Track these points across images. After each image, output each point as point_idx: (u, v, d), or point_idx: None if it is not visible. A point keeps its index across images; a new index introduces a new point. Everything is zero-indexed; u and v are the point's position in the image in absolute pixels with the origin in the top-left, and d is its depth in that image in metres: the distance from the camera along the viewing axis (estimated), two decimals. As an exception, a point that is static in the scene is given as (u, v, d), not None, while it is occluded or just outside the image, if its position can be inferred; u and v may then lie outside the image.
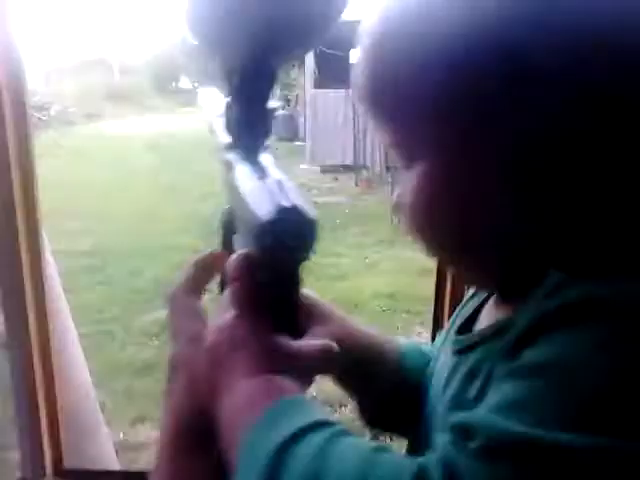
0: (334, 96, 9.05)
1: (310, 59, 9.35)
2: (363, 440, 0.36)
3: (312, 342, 0.44)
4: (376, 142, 8.32)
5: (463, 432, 0.33)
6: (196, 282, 0.50)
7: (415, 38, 0.41)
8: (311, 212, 0.35)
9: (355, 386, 0.58)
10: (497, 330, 0.42)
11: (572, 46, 0.37)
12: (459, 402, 0.44)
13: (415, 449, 0.55)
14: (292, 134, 11.41)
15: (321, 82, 9.41)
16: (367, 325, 0.59)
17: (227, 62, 0.44)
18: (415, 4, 0.42)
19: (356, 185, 8.02)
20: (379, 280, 4.51)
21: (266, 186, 0.38)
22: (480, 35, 0.38)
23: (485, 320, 0.50)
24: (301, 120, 11.04)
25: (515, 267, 0.43)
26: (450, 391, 0.46)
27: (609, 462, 0.29)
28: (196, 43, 0.45)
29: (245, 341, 0.40)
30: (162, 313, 3.87)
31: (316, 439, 0.35)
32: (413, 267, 4.44)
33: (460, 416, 0.35)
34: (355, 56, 0.46)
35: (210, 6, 0.42)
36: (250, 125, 0.44)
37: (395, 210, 0.49)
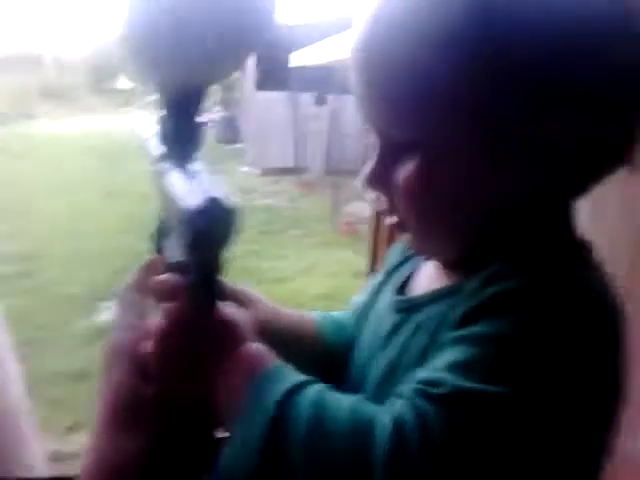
0: (275, 98, 9.06)
1: (251, 62, 9.33)
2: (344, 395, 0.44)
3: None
4: (317, 145, 8.40)
5: (430, 384, 0.40)
6: (142, 283, 0.54)
7: (412, 35, 0.44)
8: (234, 204, 0.41)
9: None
10: (442, 295, 0.50)
11: (538, 46, 0.42)
12: (405, 353, 0.51)
13: None
14: (232, 136, 11.33)
15: (262, 84, 9.40)
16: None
17: (159, 77, 0.47)
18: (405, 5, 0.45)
19: (297, 188, 8.07)
20: (319, 282, 4.56)
21: (194, 183, 0.43)
22: (465, 38, 0.43)
23: (424, 283, 0.57)
24: (242, 122, 10.99)
25: (474, 244, 0.50)
26: (395, 344, 0.52)
27: (530, 405, 0.39)
28: (128, 57, 0.47)
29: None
30: (99, 319, 3.80)
31: (310, 392, 0.42)
32: (350, 269, 4.52)
33: (426, 372, 0.42)
34: (352, 49, 0.50)
35: (141, 24, 0.44)
36: (182, 137, 0.47)
37: (371, 186, 0.53)
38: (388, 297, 0.60)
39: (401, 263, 0.63)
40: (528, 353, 0.40)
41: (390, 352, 0.53)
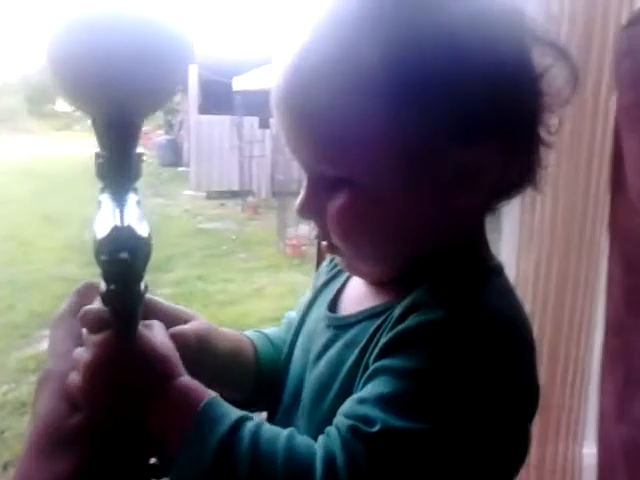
0: (219, 122, 9.06)
1: (194, 85, 9.32)
2: (275, 428, 0.46)
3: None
4: (262, 168, 8.43)
5: (362, 421, 0.43)
6: (77, 308, 0.53)
7: (333, 83, 0.47)
8: (144, 232, 0.42)
9: (221, 381, 0.63)
10: (372, 314, 0.53)
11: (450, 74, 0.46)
12: (337, 370, 0.53)
13: (276, 412, 0.63)
14: (176, 159, 11.24)
15: (205, 108, 9.39)
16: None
17: (90, 114, 0.47)
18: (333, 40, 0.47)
19: (242, 211, 8.05)
20: (266, 304, 4.55)
21: (112, 215, 0.44)
22: (382, 83, 0.46)
23: (354, 300, 0.59)
24: (185, 146, 10.92)
25: (403, 267, 0.53)
26: (327, 360, 0.55)
27: (454, 440, 0.43)
28: (57, 90, 0.47)
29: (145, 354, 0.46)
30: (40, 348, 3.67)
31: (246, 432, 0.44)
32: (298, 290, 4.54)
33: (357, 404, 0.45)
34: (275, 95, 0.51)
35: (62, 60, 0.44)
36: (117, 171, 0.47)
37: (303, 215, 0.54)
38: (318, 314, 0.62)
39: (330, 279, 0.66)
40: (446, 387, 0.44)
41: (322, 368, 0.55)
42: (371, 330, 0.51)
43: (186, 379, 0.47)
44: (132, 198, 0.47)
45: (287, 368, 0.63)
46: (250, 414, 0.46)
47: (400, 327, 0.47)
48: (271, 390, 0.64)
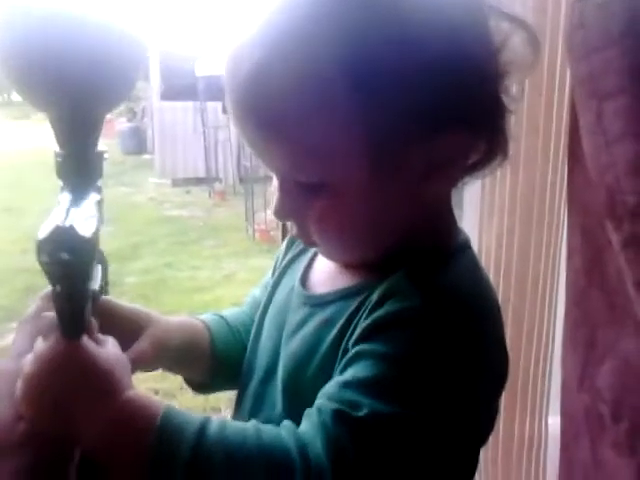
0: (182, 108, 8.92)
1: (156, 72, 9.15)
2: (239, 423, 0.47)
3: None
4: (228, 154, 8.35)
5: (349, 405, 0.44)
6: (42, 311, 0.53)
7: (295, 94, 0.46)
8: (88, 232, 0.41)
9: (179, 368, 0.67)
10: (351, 293, 0.54)
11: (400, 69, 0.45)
12: (315, 346, 0.54)
13: (245, 389, 0.64)
14: (139, 147, 11.04)
15: (167, 94, 9.23)
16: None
17: (46, 113, 0.45)
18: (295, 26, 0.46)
19: (209, 197, 7.98)
20: (236, 291, 4.54)
21: (56, 214, 0.42)
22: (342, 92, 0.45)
23: (325, 278, 0.60)
24: (149, 133, 10.74)
25: (381, 254, 0.54)
26: (302, 337, 0.56)
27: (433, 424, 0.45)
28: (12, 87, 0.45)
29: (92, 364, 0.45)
30: (2, 342, 3.60)
31: (212, 433, 0.43)
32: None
33: (340, 387, 0.46)
34: (235, 95, 0.49)
35: (20, 63, 0.43)
36: (76, 171, 0.46)
37: (281, 218, 0.56)
38: (288, 291, 0.63)
39: (296, 256, 0.67)
40: (427, 372, 0.46)
41: (298, 345, 0.56)
42: (349, 311, 0.52)
43: (132, 395, 0.45)
44: (93, 197, 0.46)
45: (256, 345, 0.64)
46: (208, 416, 0.46)
47: (378, 313, 0.48)
48: (230, 370, 0.66)
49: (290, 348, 0.57)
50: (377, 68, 0.45)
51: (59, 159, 0.46)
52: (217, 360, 0.66)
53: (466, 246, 0.56)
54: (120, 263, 4.54)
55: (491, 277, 1.20)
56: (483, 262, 1.14)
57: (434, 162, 0.50)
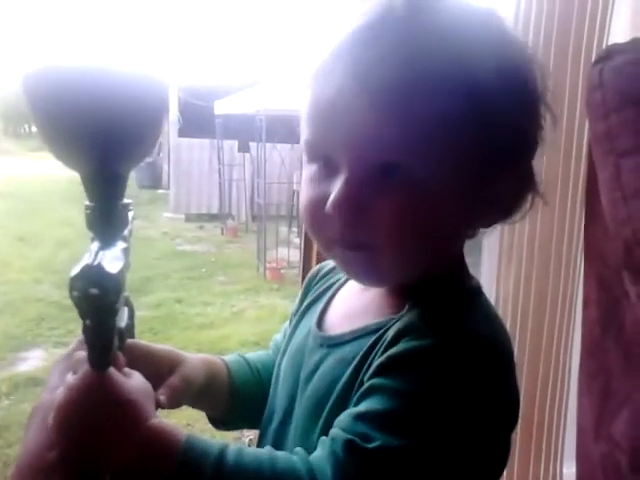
0: (198, 145, 9.08)
1: (174, 108, 9.34)
2: (255, 450, 0.49)
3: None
4: (242, 191, 8.44)
5: (360, 436, 0.46)
6: (75, 352, 0.55)
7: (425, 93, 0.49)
8: (114, 269, 0.45)
9: (200, 404, 0.68)
10: (365, 333, 0.55)
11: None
12: (332, 387, 0.55)
13: (267, 431, 0.65)
14: (155, 182, 11.21)
15: (184, 131, 9.41)
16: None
17: (77, 170, 0.48)
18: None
19: (222, 234, 8.04)
20: (245, 328, 4.54)
21: (86, 257, 0.46)
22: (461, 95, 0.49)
23: (343, 319, 0.61)
24: (164, 168, 10.90)
25: (414, 279, 0.55)
26: (320, 378, 0.57)
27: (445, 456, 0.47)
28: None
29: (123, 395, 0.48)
30: (13, 371, 3.61)
31: (230, 460, 0.46)
32: (277, 314, 4.54)
33: (353, 420, 0.47)
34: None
35: (50, 121, 0.46)
36: (104, 222, 0.49)
37: (342, 209, 0.52)
38: (305, 333, 0.65)
39: (314, 301, 0.69)
40: (438, 409, 0.47)
41: (316, 385, 0.58)
42: (364, 349, 0.53)
43: (156, 422, 0.48)
44: (119, 246, 0.49)
45: (276, 388, 0.66)
46: (226, 443, 0.48)
47: (393, 350, 0.49)
48: (248, 408, 0.69)
49: (308, 390, 0.58)
50: (444, 115, 0.50)
51: (88, 212, 0.49)
52: (235, 398, 0.68)
53: (479, 291, 0.58)
54: (132, 297, 4.54)
55: (508, 324, 1.23)
56: (500, 309, 1.16)
57: (488, 198, 0.53)
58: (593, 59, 0.83)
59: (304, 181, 0.57)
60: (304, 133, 0.56)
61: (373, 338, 0.53)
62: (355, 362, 0.53)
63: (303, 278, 1.53)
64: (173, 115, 9.38)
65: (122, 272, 0.46)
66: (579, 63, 1.04)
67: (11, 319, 4.40)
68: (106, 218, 0.49)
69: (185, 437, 0.47)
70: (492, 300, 1.16)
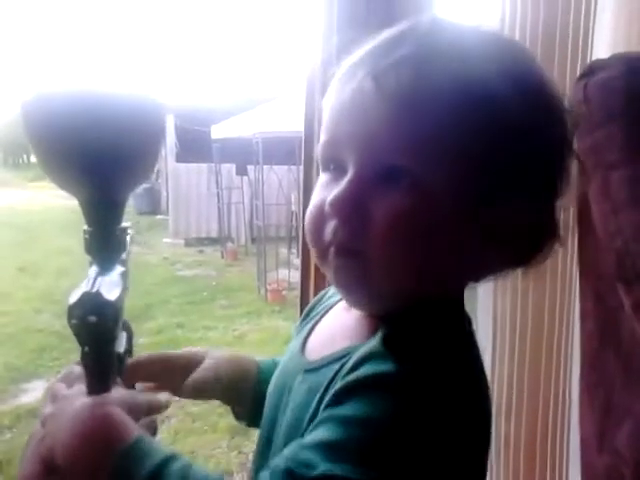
0: (196, 169, 9.13)
1: (171, 134, 9.41)
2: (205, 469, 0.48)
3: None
4: (241, 214, 8.46)
5: (302, 464, 0.44)
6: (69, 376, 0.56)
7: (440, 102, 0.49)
8: (112, 296, 0.45)
9: (226, 399, 0.74)
10: (333, 360, 0.54)
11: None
12: (302, 414, 0.54)
13: (256, 451, 0.66)
14: (154, 208, 11.25)
15: (182, 156, 9.46)
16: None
17: (75, 194, 0.49)
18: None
19: (222, 257, 8.04)
20: (248, 351, 4.52)
21: (85, 284, 0.47)
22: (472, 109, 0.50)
23: (319, 345, 0.60)
24: (163, 193, 10.94)
25: (401, 303, 0.53)
26: (293, 404, 0.57)
27: None
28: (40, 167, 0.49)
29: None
30: (14, 403, 3.58)
31: (175, 468, 0.46)
32: (280, 336, 4.53)
33: (299, 448, 0.46)
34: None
35: (48, 148, 0.47)
36: (102, 247, 0.50)
37: (339, 208, 0.52)
38: (290, 356, 0.64)
39: (303, 324, 0.69)
40: (387, 438, 0.45)
41: (291, 413, 0.57)
42: (329, 376, 0.52)
43: (138, 436, 0.48)
44: (117, 270, 0.50)
45: (264, 409, 0.66)
46: (178, 454, 0.48)
47: (350, 377, 0.48)
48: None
49: (287, 414, 0.58)
50: (462, 136, 0.50)
51: (87, 236, 0.50)
52: (259, 397, 0.69)
53: (471, 344, 0.54)
54: (133, 323, 4.53)
55: (507, 339, 1.23)
56: (499, 325, 1.16)
57: (494, 228, 0.52)
58: (577, 75, 0.85)
59: (314, 191, 0.57)
60: (321, 139, 0.56)
61: (338, 365, 0.52)
62: (320, 391, 0.52)
63: (302, 298, 1.54)
64: (170, 141, 9.43)
65: (120, 298, 0.46)
66: (565, 80, 1.06)
67: (12, 350, 4.38)
68: (104, 242, 0.50)
69: (135, 436, 0.48)
70: (490, 316, 1.16)
